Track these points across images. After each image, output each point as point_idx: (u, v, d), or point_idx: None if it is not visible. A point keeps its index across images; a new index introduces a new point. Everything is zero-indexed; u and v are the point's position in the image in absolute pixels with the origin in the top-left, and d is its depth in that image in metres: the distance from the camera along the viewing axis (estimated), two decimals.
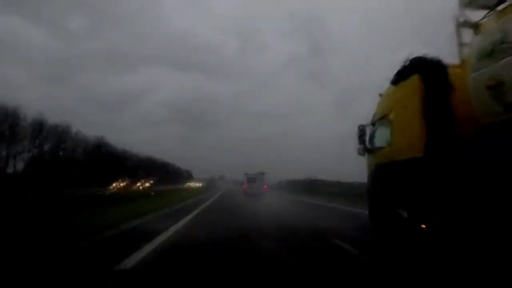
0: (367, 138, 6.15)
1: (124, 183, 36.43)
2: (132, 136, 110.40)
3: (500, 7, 3.50)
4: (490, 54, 3.30)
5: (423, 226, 4.45)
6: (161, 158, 58.80)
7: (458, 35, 4.07)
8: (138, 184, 41.35)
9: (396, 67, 5.26)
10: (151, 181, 44.11)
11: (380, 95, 5.99)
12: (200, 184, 79.01)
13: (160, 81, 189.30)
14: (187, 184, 70.27)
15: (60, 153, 32.46)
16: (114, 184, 34.60)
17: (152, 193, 28.98)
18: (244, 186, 28.45)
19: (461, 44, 4.06)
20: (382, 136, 5.65)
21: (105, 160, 33.68)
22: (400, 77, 5.16)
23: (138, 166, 41.99)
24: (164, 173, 53.85)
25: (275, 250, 4.98)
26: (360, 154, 6.18)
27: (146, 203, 14.85)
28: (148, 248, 4.87)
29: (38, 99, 77.89)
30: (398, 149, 5.08)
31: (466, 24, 3.96)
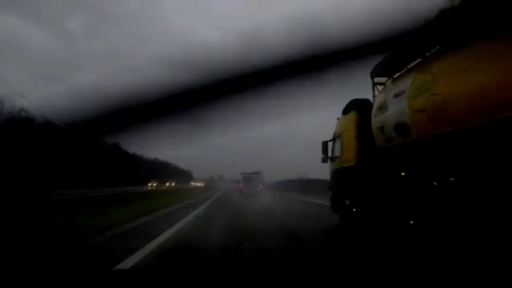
0: (329, 150, 8.62)
1: (156, 183, 48.88)
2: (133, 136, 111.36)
3: (389, 80, 5.97)
4: (379, 108, 5.76)
5: (354, 209, 6.95)
6: (164, 160, 62.10)
7: (373, 90, 6.54)
8: (167, 184, 55.04)
9: None
10: (174, 182, 58.85)
11: (338, 119, 8.44)
12: (202, 184, 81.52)
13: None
14: (191, 183, 74.65)
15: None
16: (149, 184, 46.57)
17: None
18: (240, 186, 27.89)
19: (373, 97, 6.53)
20: (337, 149, 8.10)
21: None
22: (346, 110, 7.64)
23: (151, 168, 45.90)
24: (169, 173, 57.24)
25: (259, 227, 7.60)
26: (323, 161, 8.65)
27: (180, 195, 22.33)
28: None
29: (38, 98, 77.69)
30: (345, 159, 7.53)
31: (376, 85, 6.43)
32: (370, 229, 6.32)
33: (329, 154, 8.57)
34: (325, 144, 8.60)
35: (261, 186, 27.25)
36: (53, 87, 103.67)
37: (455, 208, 3.99)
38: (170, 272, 3.07)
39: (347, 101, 7.48)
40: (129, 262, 3.88)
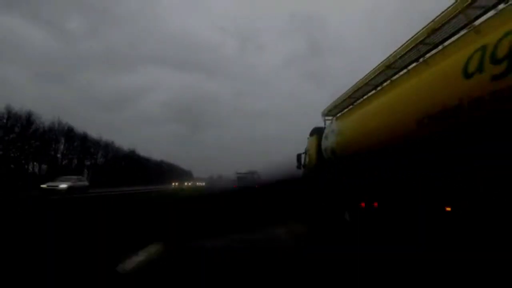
0: (302, 160, 12.36)
1: (177, 183, 58.57)
2: (131, 136, 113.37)
3: (331, 120, 9.73)
4: (325, 137, 9.52)
5: (315, 196, 10.75)
6: (167, 161, 67.03)
7: (324, 123, 10.29)
8: (186, 183, 66.39)
9: None
10: (190, 183, 70.37)
11: (308, 138, 12.16)
12: (204, 184, 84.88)
13: (159, 81, 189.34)
14: (197, 183, 79.22)
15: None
16: (173, 184, 56.17)
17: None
18: (235, 186, 27.80)
19: (324, 128, 10.30)
20: (306, 160, 11.85)
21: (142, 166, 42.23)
22: (311, 134, 11.38)
23: (159, 170, 50.67)
24: (174, 174, 61.79)
25: None
26: (297, 168, 12.41)
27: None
28: None
29: (38, 98, 79.04)
30: (310, 166, 11.28)
31: (326, 121, 10.20)
32: (323, 207, 10.07)
33: (302, 163, 12.33)
34: (299, 156, 12.36)
35: (257, 186, 26.81)
36: (53, 87, 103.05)
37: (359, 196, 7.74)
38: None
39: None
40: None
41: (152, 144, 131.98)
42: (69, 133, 33.92)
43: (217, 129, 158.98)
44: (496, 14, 4.09)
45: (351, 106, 8.30)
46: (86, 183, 23.89)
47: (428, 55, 5.35)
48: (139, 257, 4.19)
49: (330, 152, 8.98)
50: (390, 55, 6.11)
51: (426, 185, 4.80)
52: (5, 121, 28.36)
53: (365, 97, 7.46)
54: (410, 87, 5.37)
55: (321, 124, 10.55)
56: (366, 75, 7.06)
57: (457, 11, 4.47)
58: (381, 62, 6.42)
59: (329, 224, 8.52)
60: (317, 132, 10.77)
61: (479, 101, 3.81)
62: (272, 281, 3.50)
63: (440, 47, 5.08)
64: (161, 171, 53.31)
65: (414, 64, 5.68)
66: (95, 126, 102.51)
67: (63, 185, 20.36)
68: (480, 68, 3.83)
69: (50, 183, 20.71)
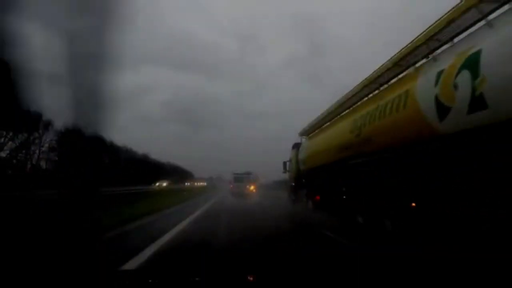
0: (287, 167, 15.64)
1: (190, 182, 67.04)
2: (131, 135, 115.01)
3: (305, 138, 13.00)
4: (300, 151, 12.79)
5: (296, 194, 14.07)
6: (170, 162, 71.15)
7: (301, 141, 13.56)
8: (195, 183, 73.08)
9: None
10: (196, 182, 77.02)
11: (292, 149, 15.40)
12: (205, 184, 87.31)
13: (160, 81, 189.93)
14: (199, 183, 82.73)
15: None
16: (187, 183, 62.42)
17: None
18: (231, 186, 27.62)
19: (301, 144, 13.57)
20: (290, 167, 15.11)
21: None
22: (292, 147, 14.63)
23: (165, 171, 54.58)
24: (177, 174, 65.38)
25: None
26: (283, 172, 15.70)
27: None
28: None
29: (38, 98, 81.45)
30: (292, 172, 14.54)
31: (302, 139, 13.47)
32: (303, 203, 13.34)
33: (287, 169, 15.61)
34: (284, 163, 15.64)
35: (253, 186, 26.62)
36: (54, 86, 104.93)
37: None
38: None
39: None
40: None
41: (152, 144, 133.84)
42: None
43: (217, 129, 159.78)
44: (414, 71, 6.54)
45: (316, 131, 11.55)
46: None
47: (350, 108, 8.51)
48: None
49: (302, 163, 12.27)
50: (340, 99, 9.03)
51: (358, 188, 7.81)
52: None
53: (322, 126, 10.71)
54: (344, 124, 8.41)
55: None
56: (327, 110, 10.17)
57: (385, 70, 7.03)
58: (336, 102, 9.39)
59: (300, 204, 12.20)
60: (296, 147, 14.04)
61: (385, 135, 6.56)
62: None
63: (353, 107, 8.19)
64: (168, 172, 57.17)
65: (347, 111, 8.77)
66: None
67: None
68: (383, 115, 6.83)
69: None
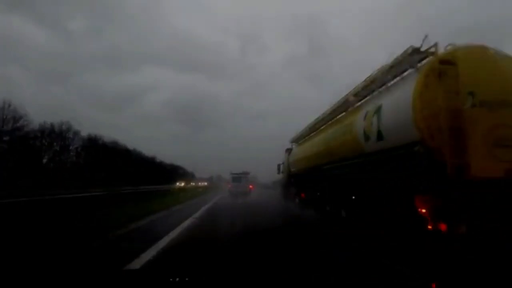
0: (281, 168, 18.21)
1: (195, 183, 69.42)
2: (132, 135, 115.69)
3: (295, 145, 15.59)
4: (291, 156, 15.38)
5: (287, 192, 16.67)
6: (175, 163, 73.89)
7: (291, 147, 16.14)
8: (199, 183, 74.04)
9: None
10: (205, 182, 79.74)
11: (284, 154, 17.97)
12: (206, 184, 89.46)
13: (161, 81, 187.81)
14: (200, 183, 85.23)
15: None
16: (193, 183, 65.71)
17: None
18: (229, 186, 28.36)
19: (292, 149, 16.16)
20: (283, 168, 17.69)
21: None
22: (286, 151, 17.20)
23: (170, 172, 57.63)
24: (180, 175, 68.15)
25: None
26: (277, 173, 18.30)
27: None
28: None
29: (40, 98, 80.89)
30: (285, 173, 17.13)
31: (293, 145, 16.05)
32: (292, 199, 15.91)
33: (281, 170, 18.19)
34: (279, 165, 18.23)
35: (251, 186, 27.92)
36: (56, 86, 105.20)
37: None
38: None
39: None
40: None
41: (154, 143, 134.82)
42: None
43: (217, 129, 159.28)
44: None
45: (301, 140, 14.11)
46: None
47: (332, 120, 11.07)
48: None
49: (291, 166, 14.86)
50: (317, 118, 11.62)
51: (328, 186, 10.38)
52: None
53: (306, 137, 13.27)
54: (319, 138, 10.95)
55: None
56: (308, 125, 12.74)
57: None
58: (314, 120, 11.96)
59: (291, 200, 14.77)
60: (288, 151, 16.63)
61: (340, 149, 9.20)
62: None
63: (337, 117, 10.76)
64: (172, 172, 60.14)
65: (322, 127, 11.35)
66: (97, 125, 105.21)
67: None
68: (340, 135, 9.40)
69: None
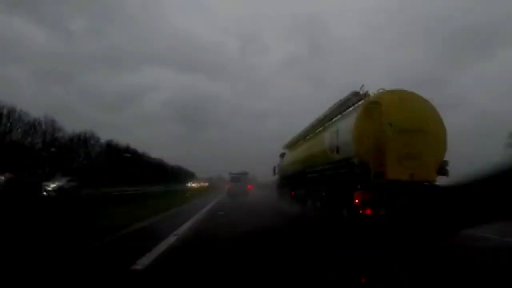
0: (276, 170, 20.78)
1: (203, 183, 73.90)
2: (133, 135, 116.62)
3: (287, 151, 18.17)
4: (283, 160, 17.96)
5: (281, 190, 19.29)
6: (178, 164, 76.54)
7: (284, 153, 18.72)
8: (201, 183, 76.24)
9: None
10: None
11: (279, 157, 20.52)
12: (207, 184, 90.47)
13: (162, 81, 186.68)
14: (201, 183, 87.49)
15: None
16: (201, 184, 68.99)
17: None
18: (228, 186, 28.52)
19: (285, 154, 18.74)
20: (278, 170, 20.27)
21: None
22: (280, 156, 19.78)
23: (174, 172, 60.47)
24: (182, 175, 71.06)
25: None
26: (273, 175, 20.88)
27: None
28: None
29: (41, 98, 78.69)
30: (278, 176, 19.70)
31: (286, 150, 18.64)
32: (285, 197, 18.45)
33: (276, 172, 20.76)
34: (274, 167, 20.82)
35: (249, 186, 28.31)
36: (57, 86, 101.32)
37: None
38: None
39: None
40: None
41: (153, 143, 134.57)
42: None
43: (217, 129, 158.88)
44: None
45: (292, 147, 16.65)
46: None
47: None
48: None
49: (284, 169, 17.43)
50: (303, 130, 14.24)
51: (309, 186, 12.97)
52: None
53: (294, 146, 15.84)
54: (303, 147, 13.55)
55: None
56: (298, 134, 15.28)
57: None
58: (301, 131, 14.54)
59: (284, 198, 17.31)
60: (282, 155, 19.20)
61: (316, 158, 11.84)
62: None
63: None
64: (176, 173, 63.37)
65: (306, 138, 13.94)
66: (98, 125, 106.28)
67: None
68: (316, 147, 11.98)
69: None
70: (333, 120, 9.87)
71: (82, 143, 40.33)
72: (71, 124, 50.97)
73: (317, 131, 11.82)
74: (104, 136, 51.06)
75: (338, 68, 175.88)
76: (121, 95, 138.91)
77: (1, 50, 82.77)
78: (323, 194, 10.13)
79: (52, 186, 21.68)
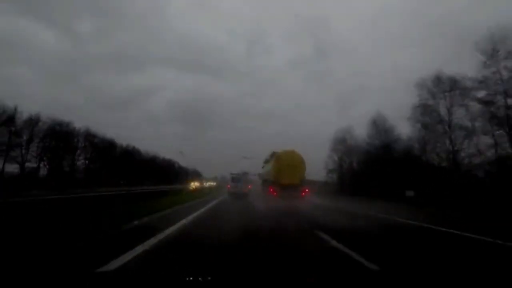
0: (260, 176, 34.41)
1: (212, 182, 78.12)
2: (138, 135, 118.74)
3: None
4: (263, 170, 31.65)
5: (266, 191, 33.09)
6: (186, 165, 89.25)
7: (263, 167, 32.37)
8: (213, 183, 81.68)
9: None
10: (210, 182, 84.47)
11: (262, 166, 34.05)
12: (214, 183, 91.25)
13: (168, 81, 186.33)
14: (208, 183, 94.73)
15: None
16: (209, 183, 74.59)
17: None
18: (228, 186, 30.28)
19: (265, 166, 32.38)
20: (261, 177, 33.88)
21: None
22: (264, 162, 33.44)
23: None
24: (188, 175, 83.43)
25: None
26: (260, 179, 34.63)
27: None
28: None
29: (48, 99, 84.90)
30: (263, 179, 33.32)
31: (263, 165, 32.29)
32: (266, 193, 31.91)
33: (260, 177, 34.42)
34: (259, 174, 34.57)
35: (250, 186, 30.82)
36: (65, 87, 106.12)
37: None
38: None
39: None
40: None
41: (159, 143, 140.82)
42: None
43: (222, 129, 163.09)
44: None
45: (265, 166, 30.18)
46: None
47: None
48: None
49: (265, 176, 31.06)
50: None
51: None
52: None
53: (265, 165, 29.48)
54: (264, 170, 27.10)
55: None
56: (266, 159, 28.88)
57: None
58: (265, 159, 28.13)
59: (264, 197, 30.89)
60: (263, 167, 32.77)
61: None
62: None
63: None
64: (184, 174, 75.58)
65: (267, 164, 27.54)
66: (103, 125, 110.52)
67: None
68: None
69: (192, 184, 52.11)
70: (268, 162, 23.72)
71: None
72: (79, 123, 52.69)
73: (264, 166, 25.77)
74: (109, 135, 56.75)
75: (344, 70, 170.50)
76: (127, 95, 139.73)
77: (10, 52, 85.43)
78: (266, 186, 23.99)
79: None
